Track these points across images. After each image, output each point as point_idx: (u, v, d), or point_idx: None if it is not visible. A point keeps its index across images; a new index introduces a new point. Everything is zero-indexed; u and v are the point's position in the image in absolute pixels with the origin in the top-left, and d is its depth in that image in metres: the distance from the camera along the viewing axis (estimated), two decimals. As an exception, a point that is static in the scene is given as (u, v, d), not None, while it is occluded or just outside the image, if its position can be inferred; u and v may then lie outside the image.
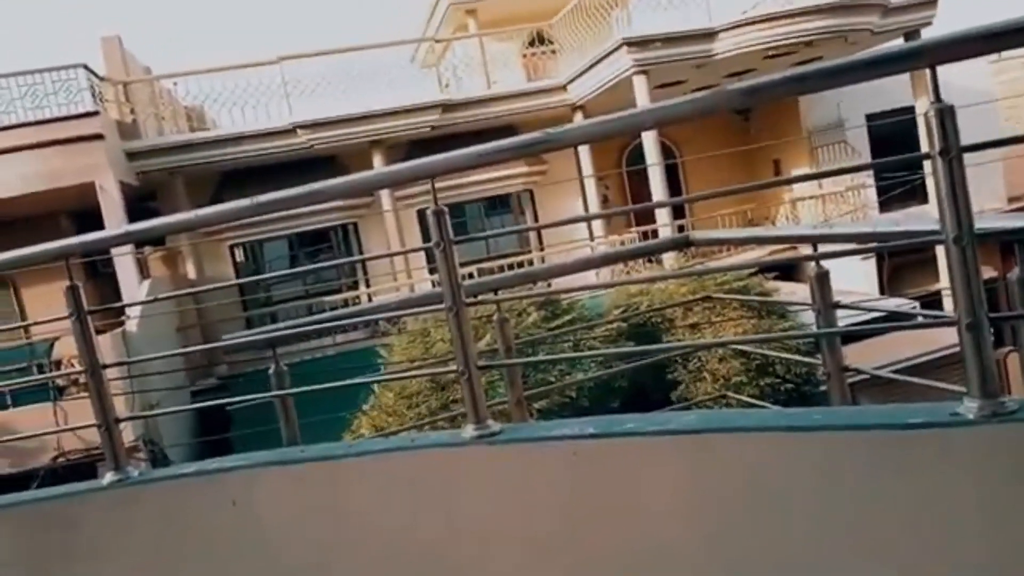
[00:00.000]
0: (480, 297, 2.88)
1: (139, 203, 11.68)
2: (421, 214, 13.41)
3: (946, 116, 1.49)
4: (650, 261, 12.01)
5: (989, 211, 13.39)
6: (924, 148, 1.57)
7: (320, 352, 10.31)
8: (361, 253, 13.16)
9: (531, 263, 12.62)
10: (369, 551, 2.07)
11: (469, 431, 1.98)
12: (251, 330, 2.59)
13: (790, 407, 6.99)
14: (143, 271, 11.38)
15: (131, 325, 9.31)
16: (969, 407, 1.51)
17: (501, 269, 11.19)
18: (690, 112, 2.02)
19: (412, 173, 2.03)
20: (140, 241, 8.50)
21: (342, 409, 7.51)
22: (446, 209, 2.00)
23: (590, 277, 11.57)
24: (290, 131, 12.02)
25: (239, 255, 13.12)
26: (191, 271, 11.99)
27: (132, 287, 10.57)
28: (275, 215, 11.52)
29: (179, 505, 2.26)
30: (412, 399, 6.98)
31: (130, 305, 9.57)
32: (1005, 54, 18.62)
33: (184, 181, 11.93)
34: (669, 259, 11.42)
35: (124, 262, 10.47)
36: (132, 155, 11.55)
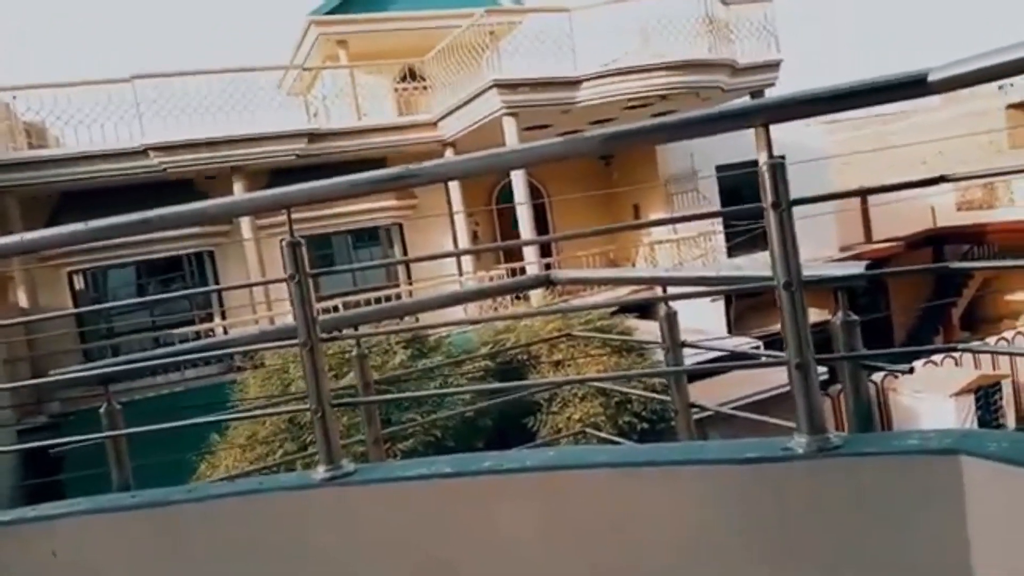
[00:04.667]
0: (338, 333, 2.80)
1: (-37, 224, 10.62)
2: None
3: (778, 171, 1.61)
4: (518, 299, 12.21)
5: (824, 259, 14.63)
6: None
7: (167, 388, 9.68)
8: (217, 283, 12.53)
9: (399, 297, 12.49)
10: (209, 604, 1.93)
11: (320, 472, 1.90)
12: (82, 365, 2.38)
13: (645, 443, 7.23)
14: (-35, 298, 10.32)
15: (-53, 357, 8.39)
16: (799, 442, 1.61)
17: (368, 303, 10.99)
18: (549, 155, 2.08)
19: (267, 202, 1.96)
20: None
21: (190, 450, 7.06)
22: (302, 241, 1.94)
23: (458, 313, 11.61)
24: (141, 152, 11.36)
25: (79, 283, 12.12)
26: (23, 299, 10.97)
27: (-49, 315, 9.54)
28: (119, 240, 10.87)
29: (-10, 559, 2.03)
30: (274, 438, 6.67)
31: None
32: (839, 116, 20.58)
33: (18, 202, 10.98)
34: (536, 297, 11.65)
35: (-58, 288, 9.45)
36: (-43, 171, 10.53)
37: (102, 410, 2.19)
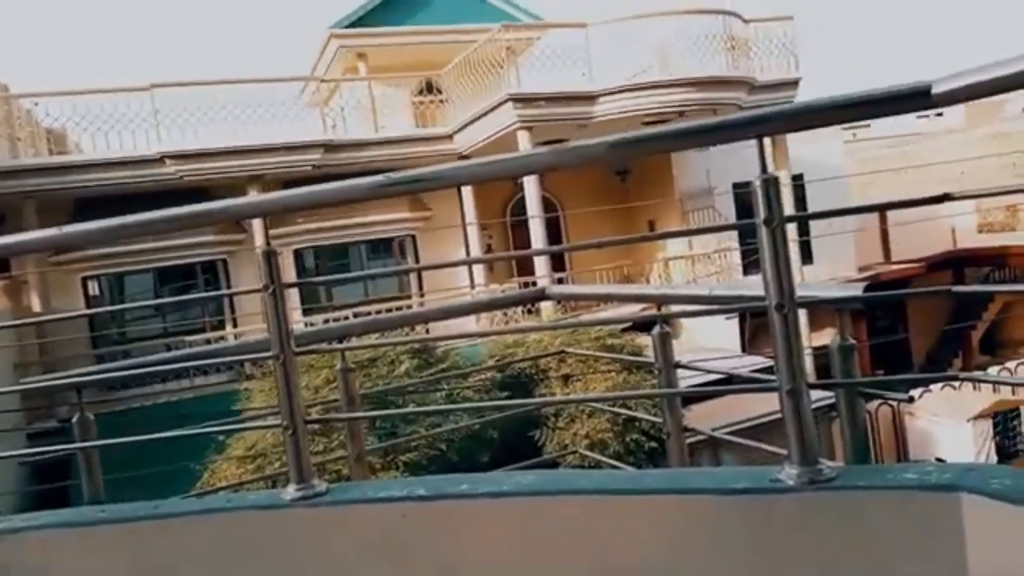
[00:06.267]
0: (316, 345, 2.74)
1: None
2: (297, 253, 13.01)
3: (771, 187, 1.53)
4: (529, 312, 12.12)
5: (841, 279, 14.39)
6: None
7: (176, 395, 9.68)
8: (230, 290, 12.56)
9: (410, 308, 12.44)
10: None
11: (290, 491, 1.83)
12: (56, 374, 2.34)
13: (653, 464, 7.08)
14: (-20, 301, 10.40)
15: (-42, 360, 8.43)
16: (789, 473, 1.51)
17: (379, 312, 10.97)
18: (550, 162, 2.02)
19: (244, 210, 1.91)
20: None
21: (195, 459, 7.02)
22: (279, 250, 1.89)
23: (468, 324, 11.54)
24: (158, 160, 11.43)
25: (93, 288, 12.17)
26: (36, 303, 11.03)
27: (-35, 318, 9.62)
28: (135, 247, 10.93)
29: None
30: (274, 449, 6.60)
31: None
32: (860, 135, 20.42)
33: (36, 207, 11.07)
34: (547, 311, 11.56)
35: (-43, 290, 9.54)
36: (-23, 176, 10.65)
37: (74, 420, 2.13)
